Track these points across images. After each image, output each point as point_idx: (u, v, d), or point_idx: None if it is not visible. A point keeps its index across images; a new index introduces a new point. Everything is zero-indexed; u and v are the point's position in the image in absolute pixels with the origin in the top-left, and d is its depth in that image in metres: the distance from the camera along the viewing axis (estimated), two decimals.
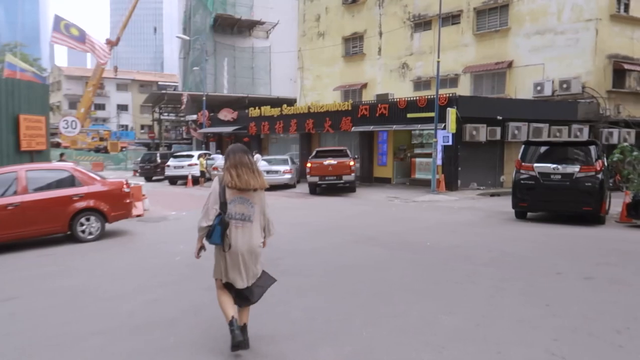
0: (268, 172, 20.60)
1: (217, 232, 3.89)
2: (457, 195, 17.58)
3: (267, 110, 27.10)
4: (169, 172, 24.80)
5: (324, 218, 12.42)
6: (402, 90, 26.69)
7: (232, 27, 46.05)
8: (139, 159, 30.83)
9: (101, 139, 51.46)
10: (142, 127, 67.96)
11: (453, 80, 26.02)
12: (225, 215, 3.90)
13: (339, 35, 31.96)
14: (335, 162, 17.66)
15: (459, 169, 19.47)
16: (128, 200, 9.54)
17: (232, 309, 3.99)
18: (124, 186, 9.48)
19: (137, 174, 29.51)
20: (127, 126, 68.66)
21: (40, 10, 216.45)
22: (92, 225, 9.04)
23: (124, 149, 48.79)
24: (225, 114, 29.93)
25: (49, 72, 75.29)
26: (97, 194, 9.06)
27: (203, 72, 40.04)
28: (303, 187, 21.12)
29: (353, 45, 31.52)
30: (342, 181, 17.75)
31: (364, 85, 30.48)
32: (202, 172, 23.72)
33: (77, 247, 8.67)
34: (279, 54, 46.41)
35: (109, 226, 9.60)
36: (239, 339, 3.85)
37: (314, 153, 19.19)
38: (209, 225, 3.91)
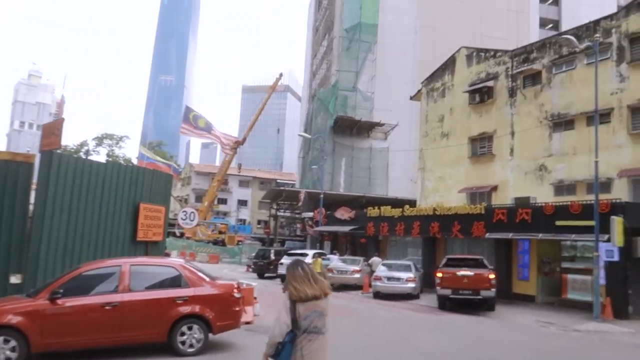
0: (389, 278, 18.39)
1: (286, 350, 3.72)
2: (632, 326, 13.73)
3: (387, 211, 25.40)
4: (282, 270, 23.60)
5: (466, 349, 9.77)
6: (541, 195, 23.60)
7: (351, 128, 46.76)
8: (253, 255, 30.34)
9: (220, 232, 53.17)
10: (259, 222, 70.03)
11: (605, 185, 22.37)
12: (297, 332, 3.76)
13: (465, 135, 30.17)
14: (472, 273, 14.99)
15: (629, 291, 15.58)
16: (238, 308, 7.99)
17: None
18: (235, 290, 7.99)
19: (250, 270, 28.81)
20: (245, 220, 71.22)
21: (181, 117, 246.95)
22: (194, 335, 7.54)
23: (240, 243, 49.66)
24: (342, 213, 28.78)
25: (182, 168, 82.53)
26: (204, 298, 7.65)
27: (321, 171, 40.25)
28: (428, 299, 18.40)
29: (481, 145, 29.41)
30: (479, 297, 14.87)
31: (494, 188, 27.71)
32: (319, 274, 22.08)
33: None
34: (396, 155, 45.75)
35: (211, 337, 8.03)
36: None
37: (444, 261, 16.70)
38: (280, 343, 3.73)
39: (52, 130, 9.75)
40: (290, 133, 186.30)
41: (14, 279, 9.06)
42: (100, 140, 65.29)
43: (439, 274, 15.29)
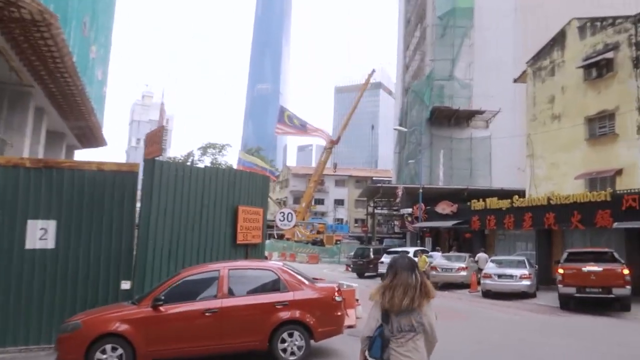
0: (500, 276, 16.95)
1: (377, 344, 3.63)
2: None
3: (493, 203, 23.67)
4: (382, 269, 22.93)
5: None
6: None
7: (449, 118, 44.71)
8: (352, 254, 29.96)
9: (318, 232, 53.65)
10: (356, 220, 69.79)
11: None
12: (386, 327, 3.61)
13: (580, 115, 27.18)
14: (601, 269, 13.20)
15: None
16: (339, 313, 7.52)
17: None
18: (336, 294, 7.52)
19: (350, 269, 28.46)
20: (342, 220, 71.39)
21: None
22: (295, 342, 7.18)
23: (338, 242, 49.70)
24: (444, 207, 27.38)
25: (280, 171, 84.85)
26: (304, 302, 7.27)
27: (418, 165, 38.88)
28: (545, 298, 16.67)
29: (600, 125, 26.30)
30: (611, 295, 13.05)
31: (618, 172, 24.59)
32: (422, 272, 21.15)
33: None
34: (499, 144, 42.86)
35: (313, 344, 7.63)
36: None
37: (564, 255, 14.96)
38: (370, 337, 3.68)
39: (153, 139, 10.03)
40: (383, 130, 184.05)
41: (124, 285, 9.37)
42: (204, 150, 69.19)
43: (561, 270, 13.66)
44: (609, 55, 24.76)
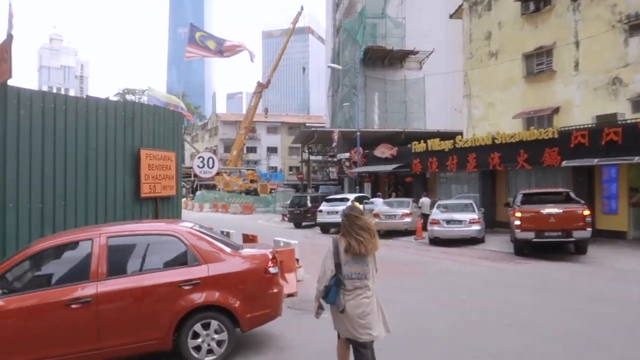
0: (448, 221, 15.67)
1: (332, 292, 4.00)
2: None
3: (435, 144, 22.35)
4: (321, 218, 21.21)
5: (589, 320, 7.05)
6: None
7: (382, 59, 42.81)
8: (288, 203, 28.04)
9: (251, 181, 51.24)
10: (291, 168, 67.93)
11: None
12: (340, 276, 4.00)
13: (518, 52, 26.14)
14: (561, 210, 12.04)
15: None
16: (275, 289, 5.40)
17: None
18: (270, 264, 5.37)
19: (286, 219, 26.60)
20: (276, 168, 69.16)
21: (205, 69, 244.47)
22: (213, 336, 5.03)
23: (272, 191, 47.71)
24: (383, 151, 25.84)
25: (208, 118, 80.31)
26: (225, 278, 5.07)
27: (353, 108, 37.05)
28: (494, 243, 15.71)
29: (538, 62, 25.42)
30: (571, 238, 12.00)
31: (555, 110, 24.02)
32: None
33: None
34: (433, 86, 41.93)
35: (239, 335, 5.52)
36: None
37: (518, 197, 13.75)
38: (326, 286, 4.04)
39: (1, 57, 7.08)
40: (314, 78, 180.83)
41: None
42: (122, 97, 63.13)
43: (518, 214, 12.38)
44: None
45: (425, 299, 8.04)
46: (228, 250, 5.30)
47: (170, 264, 5.04)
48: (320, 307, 4.17)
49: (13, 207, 7.05)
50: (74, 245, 4.95)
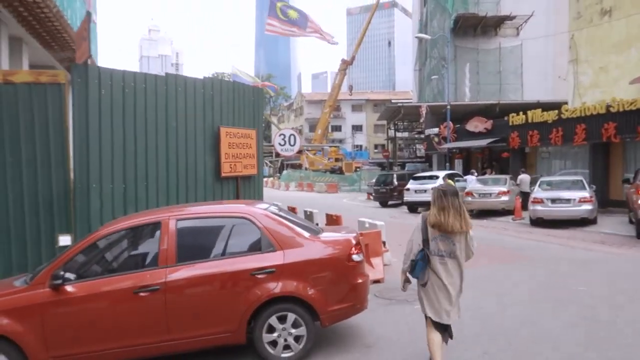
0: (554, 200, 14.06)
1: (419, 267, 4.04)
2: None
3: (537, 115, 20.32)
4: (408, 197, 20.21)
5: None
6: None
7: (475, 27, 39.94)
8: (374, 181, 27.24)
9: (336, 160, 50.95)
10: (376, 146, 66.82)
11: None
12: (427, 251, 4.05)
13: (637, 6, 22.87)
14: None
15: None
16: (360, 280, 4.74)
17: (438, 352, 4.06)
18: (354, 250, 4.71)
19: (372, 198, 25.87)
20: (361, 146, 68.36)
21: (291, 50, 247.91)
22: (290, 331, 4.50)
23: (358, 170, 47.08)
24: (476, 124, 24.09)
25: (294, 98, 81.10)
26: (303, 266, 4.49)
27: (442, 82, 35.15)
28: (606, 224, 13.90)
29: None
30: None
31: None
32: None
33: None
34: (531, 53, 38.57)
35: (319, 330, 4.93)
36: None
37: None
38: (413, 260, 4.09)
39: (81, 35, 7.01)
40: (400, 53, 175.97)
41: (64, 240, 6.78)
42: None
43: None
44: None
45: (537, 294, 6.95)
46: (307, 234, 4.70)
47: (243, 250, 4.55)
48: (407, 281, 4.27)
49: (97, 187, 7.01)
50: (142, 228, 4.61)
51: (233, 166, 8.86)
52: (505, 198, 17.09)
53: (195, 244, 4.54)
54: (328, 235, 4.95)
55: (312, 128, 64.67)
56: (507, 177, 18.76)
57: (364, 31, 51.87)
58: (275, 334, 4.47)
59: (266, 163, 58.74)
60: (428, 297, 4.06)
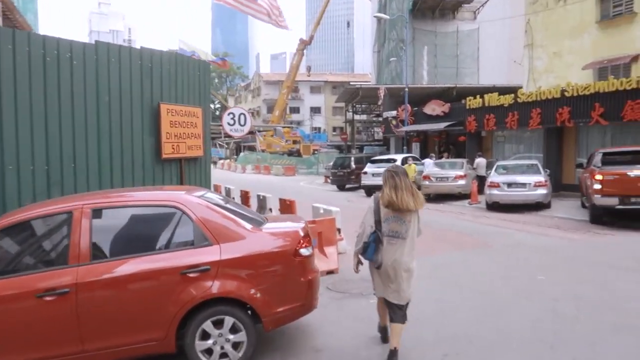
0: (510, 184, 14.00)
1: (371, 249, 4.06)
2: None
3: (493, 99, 20.30)
4: (366, 180, 19.87)
5: None
6: None
7: (433, 10, 39.96)
8: (331, 164, 26.79)
9: (294, 142, 50.22)
10: (334, 129, 66.37)
11: None
12: (379, 233, 4.05)
13: None
14: None
15: None
16: (309, 276, 4.18)
17: (385, 317, 4.37)
18: (301, 242, 4.14)
19: (329, 181, 25.45)
20: (319, 129, 67.76)
21: (249, 30, 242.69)
22: (227, 337, 3.92)
23: (316, 152, 46.58)
24: (434, 107, 23.94)
25: (251, 79, 79.30)
26: (242, 263, 3.89)
27: (400, 64, 34.89)
28: (560, 208, 14.00)
29: (615, 3, 22.41)
30: None
31: (634, 58, 21.20)
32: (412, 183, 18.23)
33: None
34: (487, 38, 38.99)
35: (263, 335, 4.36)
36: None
37: (597, 157, 11.88)
38: (365, 242, 4.11)
39: None
40: (359, 35, 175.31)
41: None
42: None
43: (599, 177, 10.60)
44: None
45: (497, 284, 6.65)
46: (248, 226, 4.09)
47: (172, 244, 3.90)
48: (359, 263, 4.30)
49: (13, 169, 6.13)
50: (49, 219, 3.87)
51: (176, 147, 8.10)
52: (462, 182, 17.01)
53: (114, 238, 3.85)
54: (272, 226, 4.35)
55: (270, 109, 63.47)
56: (464, 160, 18.70)
57: (322, 10, 50.93)
58: (210, 341, 3.85)
59: (221, 144, 57.23)
60: (380, 279, 4.11)
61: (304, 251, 4.11)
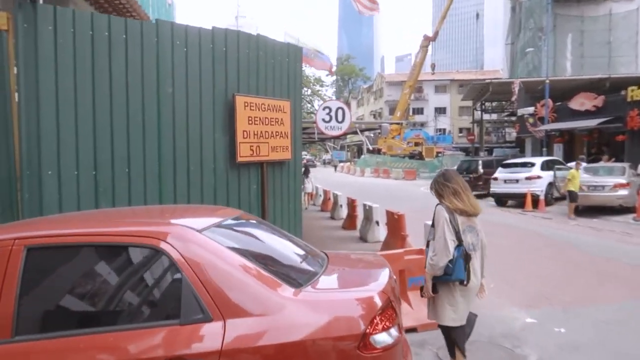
0: None
1: (459, 266, 3.44)
2: None
3: None
4: (496, 187, 17.03)
5: None
6: None
7: None
8: (455, 168, 24.03)
9: (416, 144, 47.59)
10: (460, 130, 62.21)
11: None
12: (464, 247, 3.52)
13: None
14: None
15: None
16: None
17: None
18: (375, 323, 2.20)
19: None
20: (444, 130, 64.00)
21: (374, 32, 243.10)
22: None
23: (439, 155, 43.52)
24: (583, 101, 20.12)
25: (373, 80, 77.98)
26: (263, 356, 2.12)
27: (538, 56, 30.73)
28: None
29: None
30: None
31: None
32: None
33: None
34: None
35: None
36: None
37: None
38: (451, 260, 3.45)
39: None
40: (490, 30, 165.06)
41: None
42: None
43: None
44: None
45: None
46: (282, 285, 2.30)
47: (144, 315, 2.25)
48: (434, 289, 3.58)
49: (53, 174, 5.12)
50: None
51: (255, 148, 6.67)
52: (623, 192, 13.53)
53: (55, 300, 2.32)
54: (326, 287, 2.48)
55: (392, 111, 61.27)
56: (626, 165, 15.02)
57: (448, 4, 47.55)
58: None
59: (334, 146, 56.42)
60: (465, 301, 3.56)
61: (380, 339, 2.21)
